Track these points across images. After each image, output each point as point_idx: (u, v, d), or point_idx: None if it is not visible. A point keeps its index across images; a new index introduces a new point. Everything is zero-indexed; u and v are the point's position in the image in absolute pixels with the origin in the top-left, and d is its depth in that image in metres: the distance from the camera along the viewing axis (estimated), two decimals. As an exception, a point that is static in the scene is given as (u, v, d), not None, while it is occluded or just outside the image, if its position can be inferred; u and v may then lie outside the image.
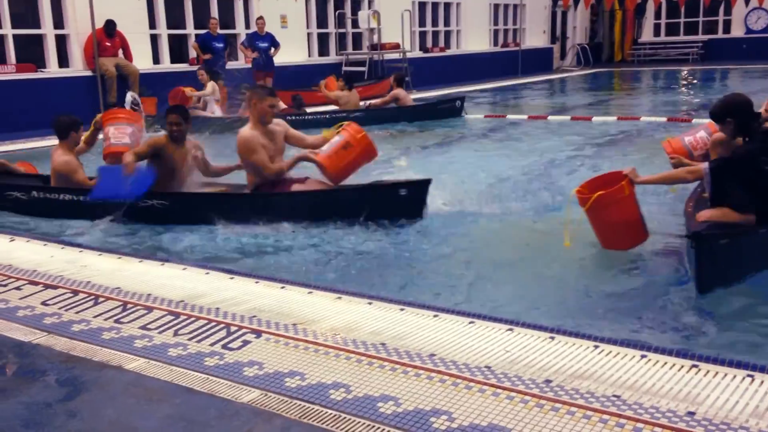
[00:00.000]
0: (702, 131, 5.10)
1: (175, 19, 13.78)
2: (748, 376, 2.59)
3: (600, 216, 4.22)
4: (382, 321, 3.22)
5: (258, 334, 3.13)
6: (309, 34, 16.49)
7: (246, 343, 3.04)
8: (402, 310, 3.35)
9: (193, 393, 2.63)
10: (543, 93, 17.78)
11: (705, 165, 4.09)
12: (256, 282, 3.84)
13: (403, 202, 5.27)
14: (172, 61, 13.65)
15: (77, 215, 5.60)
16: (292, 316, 3.32)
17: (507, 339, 2.98)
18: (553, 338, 2.96)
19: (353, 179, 5.60)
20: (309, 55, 16.49)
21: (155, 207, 5.43)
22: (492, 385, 2.58)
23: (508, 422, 2.33)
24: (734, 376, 2.59)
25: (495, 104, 15.40)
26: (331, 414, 2.44)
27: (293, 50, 15.25)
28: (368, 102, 12.01)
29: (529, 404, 2.44)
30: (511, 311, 3.48)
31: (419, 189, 5.32)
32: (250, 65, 13.45)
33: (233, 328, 3.20)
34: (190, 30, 14.01)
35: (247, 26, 14.80)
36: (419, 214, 5.30)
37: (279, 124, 5.55)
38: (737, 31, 25.29)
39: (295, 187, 5.41)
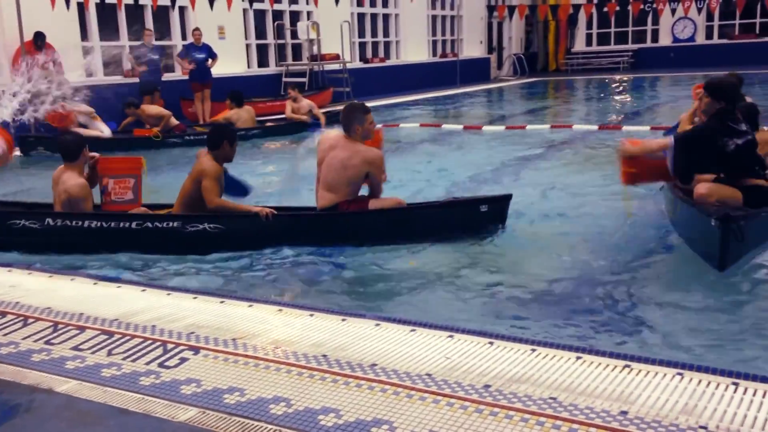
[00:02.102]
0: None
1: (108, 30, 13.45)
2: (678, 374, 2.67)
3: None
4: (324, 332, 3.21)
5: (196, 350, 3.07)
6: (248, 45, 16.36)
7: (183, 360, 2.98)
8: (343, 320, 3.35)
9: (127, 414, 2.56)
10: (481, 102, 18.09)
11: (671, 138, 4.71)
12: (194, 297, 3.76)
13: (481, 221, 4.98)
14: (106, 74, 13.31)
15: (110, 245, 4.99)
16: (231, 330, 3.27)
17: (447, 346, 3.01)
18: (492, 343, 3.00)
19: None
20: (248, 66, 16.35)
21: (207, 231, 4.92)
22: (432, 393, 2.60)
23: (449, 429, 2.35)
24: (664, 375, 2.67)
25: (432, 114, 15.58)
26: (271, 429, 2.40)
27: (232, 61, 15.10)
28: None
29: (468, 410, 2.46)
30: (449, 319, 3.52)
31: (500, 205, 5.02)
32: (187, 77, 13.26)
33: (170, 346, 3.13)
34: (125, 41, 13.70)
35: (184, 37, 14.58)
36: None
37: None
38: (665, 40, 26.28)
39: (373, 205, 5.01)
